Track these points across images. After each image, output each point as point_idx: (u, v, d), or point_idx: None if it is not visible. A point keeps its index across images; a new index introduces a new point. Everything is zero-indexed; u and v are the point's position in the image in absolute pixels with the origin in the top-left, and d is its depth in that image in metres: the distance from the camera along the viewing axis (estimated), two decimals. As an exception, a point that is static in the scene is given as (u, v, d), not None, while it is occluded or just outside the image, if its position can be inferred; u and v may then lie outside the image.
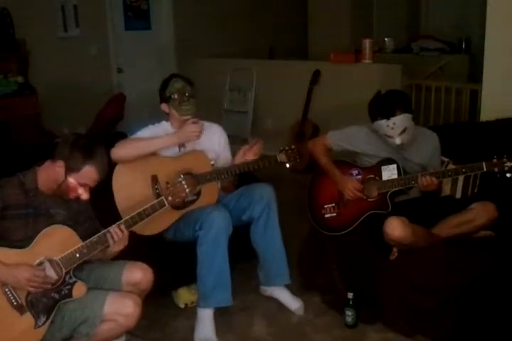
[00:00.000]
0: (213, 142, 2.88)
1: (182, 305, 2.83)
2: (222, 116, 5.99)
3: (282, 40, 7.22)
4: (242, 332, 2.64)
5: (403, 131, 2.56)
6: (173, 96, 2.70)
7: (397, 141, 2.57)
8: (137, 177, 2.62)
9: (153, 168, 2.64)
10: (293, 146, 2.82)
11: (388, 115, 2.55)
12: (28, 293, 1.99)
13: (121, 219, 2.21)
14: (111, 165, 2.57)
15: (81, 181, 2.08)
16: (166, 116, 2.81)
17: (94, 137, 2.24)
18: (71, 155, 2.06)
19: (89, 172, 2.08)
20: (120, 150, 2.59)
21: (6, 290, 1.96)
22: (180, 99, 2.70)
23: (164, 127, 2.79)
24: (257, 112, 5.92)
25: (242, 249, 2.78)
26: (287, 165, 2.80)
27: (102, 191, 2.42)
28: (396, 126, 2.55)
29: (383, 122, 2.57)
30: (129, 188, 2.61)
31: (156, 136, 2.68)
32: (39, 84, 5.38)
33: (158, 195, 2.54)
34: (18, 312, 1.97)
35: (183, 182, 2.32)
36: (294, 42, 7.36)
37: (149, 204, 2.25)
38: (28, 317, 1.98)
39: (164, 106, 2.77)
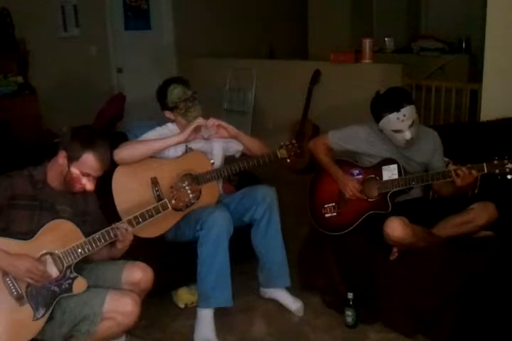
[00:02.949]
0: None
1: (182, 305, 2.83)
2: (222, 116, 5.99)
3: (282, 40, 7.22)
4: (242, 333, 2.64)
5: (412, 124, 2.56)
6: (177, 106, 2.67)
7: (407, 134, 2.57)
8: (137, 179, 2.61)
9: (153, 169, 2.63)
10: (293, 140, 2.81)
11: (398, 107, 2.54)
12: (29, 285, 2.00)
13: (121, 220, 2.22)
14: (111, 167, 2.57)
15: (83, 170, 2.11)
16: (171, 120, 2.80)
17: (95, 130, 2.28)
18: (71, 144, 2.11)
19: (88, 160, 2.10)
20: (124, 151, 2.58)
21: (7, 279, 1.98)
22: (185, 106, 2.67)
23: (171, 129, 2.78)
24: (257, 112, 5.92)
25: (242, 249, 2.78)
26: (288, 161, 2.79)
27: (102, 192, 2.42)
28: (406, 118, 2.54)
29: (393, 116, 2.56)
30: (129, 190, 2.61)
31: (161, 138, 2.66)
32: (39, 84, 5.38)
33: (158, 197, 2.54)
34: (17, 302, 1.98)
35: (187, 187, 2.32)
36: (294, 42, 7.36)
37: (152, 206, 2.26)
38: (27, 309, 1.99)
39: (169, 114, 2.74)
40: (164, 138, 2.65)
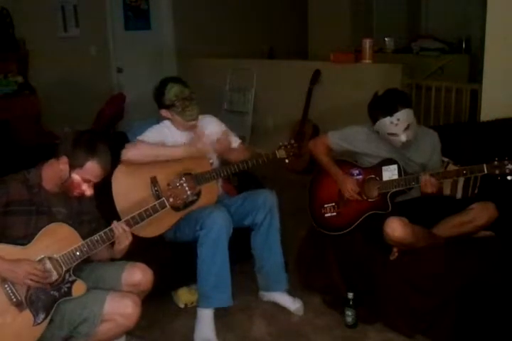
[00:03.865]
0: (214, 133, 2.83)
1: (182, 305, 2.83)
2: (222, 117, 5.98)
3: (282, 40, 7.23)
4: (242, 332, 2.64)
5: (407, 128, 2.56)
6: (175, 104, 2.66)
7: (402, 138, 2.57)
8: (137, 179, 2.61)
9: (153, 169, 2.63)
10: (292, 141, 2.82)
11: (391, 111, 2.54)
12: (28, 290, 2.00)
13: (121, 220, 2.22)
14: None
15: (85, 177, 2.10)
16: (167, 119, 2.79)
17: (97, 133, 2.25)
18: (74, 151, 2.08)
19: (92, 168, 2.09)
20: (134, 154, 2.56)
21: (6, 286, 1.97)
22: (183, 105, 2.66)
23: (169, 127, 2.78)
24: (257, 112, 5.92)
25: (242, 249, 2.78)
26: (286, 161, 2.80)
27: (102, 192, 2.42)
28: (400, 122, 2.54)
29: (387, 120, 2.56)
30: (128, 190, 2.60)
31: (172, 146, 2.67)
32: (39, 84, 5.38)
33: (157, 197, 2.54)
34: (17, 308, 1.98)
35: (185, 184, 2.32)
36: (294, 42, 7.36)
37: (150, 205, 2.25)
38: (27, 314, 1.99)
39: (165, 113, 2.72)
40: (172, 147, 2.66)
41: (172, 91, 2.66)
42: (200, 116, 2.78)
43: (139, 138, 2.68)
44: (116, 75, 6.26)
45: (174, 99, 2.66)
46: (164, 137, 2.71)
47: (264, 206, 2.70)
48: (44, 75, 5.54)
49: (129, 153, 2.57)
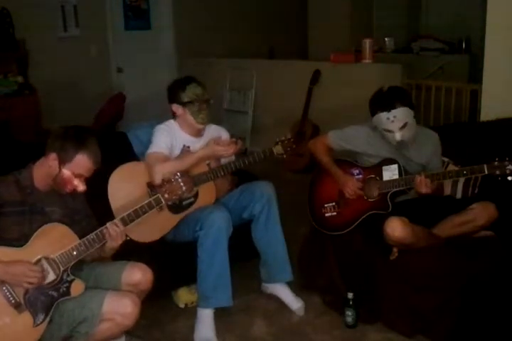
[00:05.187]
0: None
1: (182, 305, 2.83)
2: (222, 116, 5.99)
3: (282, 40, 7.22)
4: (242, 332, 2.63)
5: (403, 126, 2.55)
6: (193, 102, 2.67)
7: (397, 136, 2.57)
8: (133, 184, 2.60)
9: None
10: (288, 136, 2.82)
11: (388, 107, 2.54)
12: (26, 291, 1.99)
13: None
14: (106, 171, 2.53)
15: (75, 171, 2.08)
16: (173, 116, 2.79)
17: (83, 127, 2.22)
18: (62, 146, 2.06)
19: (82, 161, 2.07)
20: (166, 172, 2.52)
21: (4, 288, 1.96)
22: (201, 107, 2.68)
23: (172, 127, 2.77)
24: (257, 112, 5.92)
25: (242, 249, 2.78)
26: (284, 156, 2.79)
27: (99, 194, 2.41)
28: (396, 119, 2.54)
29: (383, 115, 2.56)
30: (125, 195, 2.56)
31: (189, 155, 2.68)
32: (39, 84, 5.37)
33: None
34: (16, 310, 1.97)
35: (179, 179, 2.30)
36: (294, 43, 7.36)
37: (145, 202, 2.22)
38: (26, 316, 1.98)
39: (176, 108, 2.73)
40: (191, 155, 2.67)
41: (196, 90, 2.68)
42: (211, 125, 2.84)
43: (154, 150, 2.66)
44: (116, 75, 6.26)
45: (194, 98, 2.67)
46: (171, 137, 2.72)
47: (262, 197, 2.70)
48: (44, 75, 5.53)
49: (158, 177, 2.52)
